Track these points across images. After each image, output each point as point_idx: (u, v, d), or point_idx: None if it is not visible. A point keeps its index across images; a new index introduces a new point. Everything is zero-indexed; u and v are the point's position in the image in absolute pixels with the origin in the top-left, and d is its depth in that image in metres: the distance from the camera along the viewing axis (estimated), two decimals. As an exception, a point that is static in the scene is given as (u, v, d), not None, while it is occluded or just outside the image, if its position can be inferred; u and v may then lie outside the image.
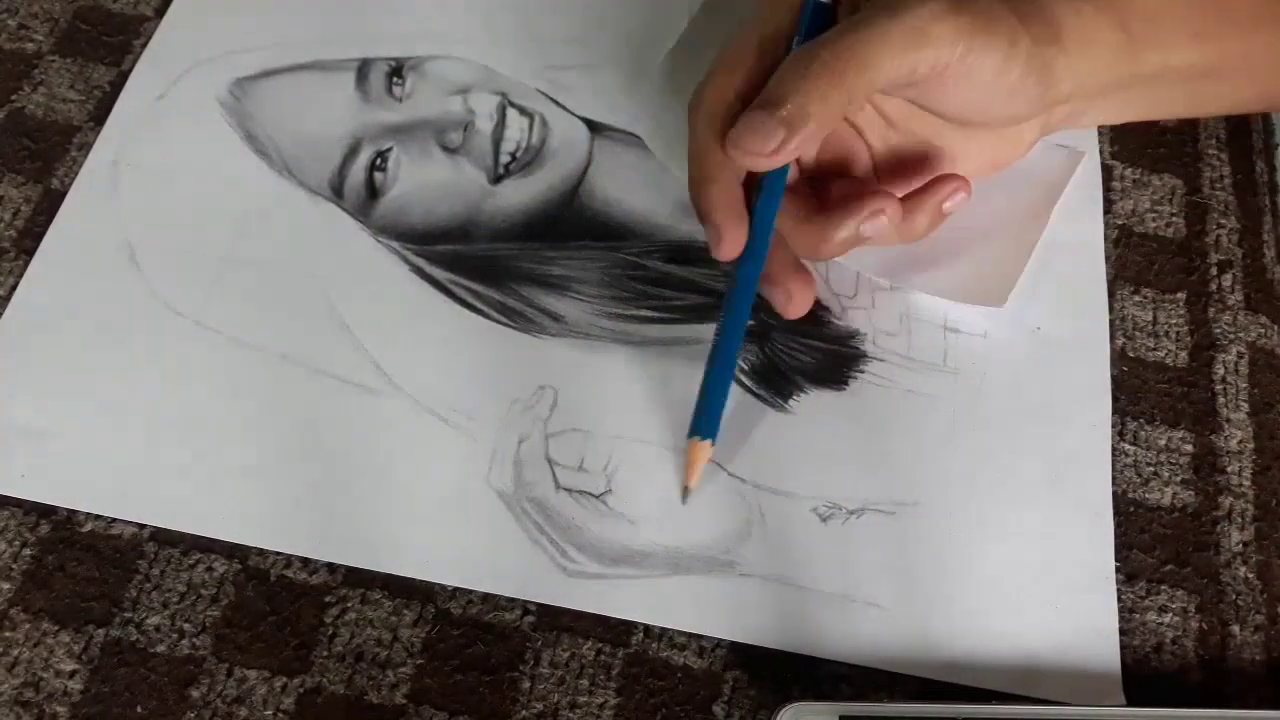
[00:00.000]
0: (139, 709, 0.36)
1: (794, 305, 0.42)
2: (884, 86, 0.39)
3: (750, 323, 0.44)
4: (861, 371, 0.44)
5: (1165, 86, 0.44)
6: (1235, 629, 0.40)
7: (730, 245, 0.40)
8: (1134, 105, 0.46)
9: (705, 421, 0.40)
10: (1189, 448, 0.44)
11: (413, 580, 0.39)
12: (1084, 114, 0.45)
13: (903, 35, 0.38)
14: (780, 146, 0.38)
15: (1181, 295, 0.47)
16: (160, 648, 0.37)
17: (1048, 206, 0.48)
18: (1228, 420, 0.44)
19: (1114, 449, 0.43)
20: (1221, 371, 0.45)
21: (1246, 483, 0.43)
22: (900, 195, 0.42)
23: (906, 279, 0.46)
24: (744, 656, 0.38)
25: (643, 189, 0.48)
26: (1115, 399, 0.44)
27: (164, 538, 0.39)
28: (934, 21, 0.38)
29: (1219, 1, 0.42)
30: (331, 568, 0.39)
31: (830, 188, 0.43)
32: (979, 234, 0.46)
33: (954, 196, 0.43)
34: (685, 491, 0.40)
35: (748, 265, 0.41)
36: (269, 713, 0.37)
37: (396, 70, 0.50)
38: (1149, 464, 0.43)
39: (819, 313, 0.45)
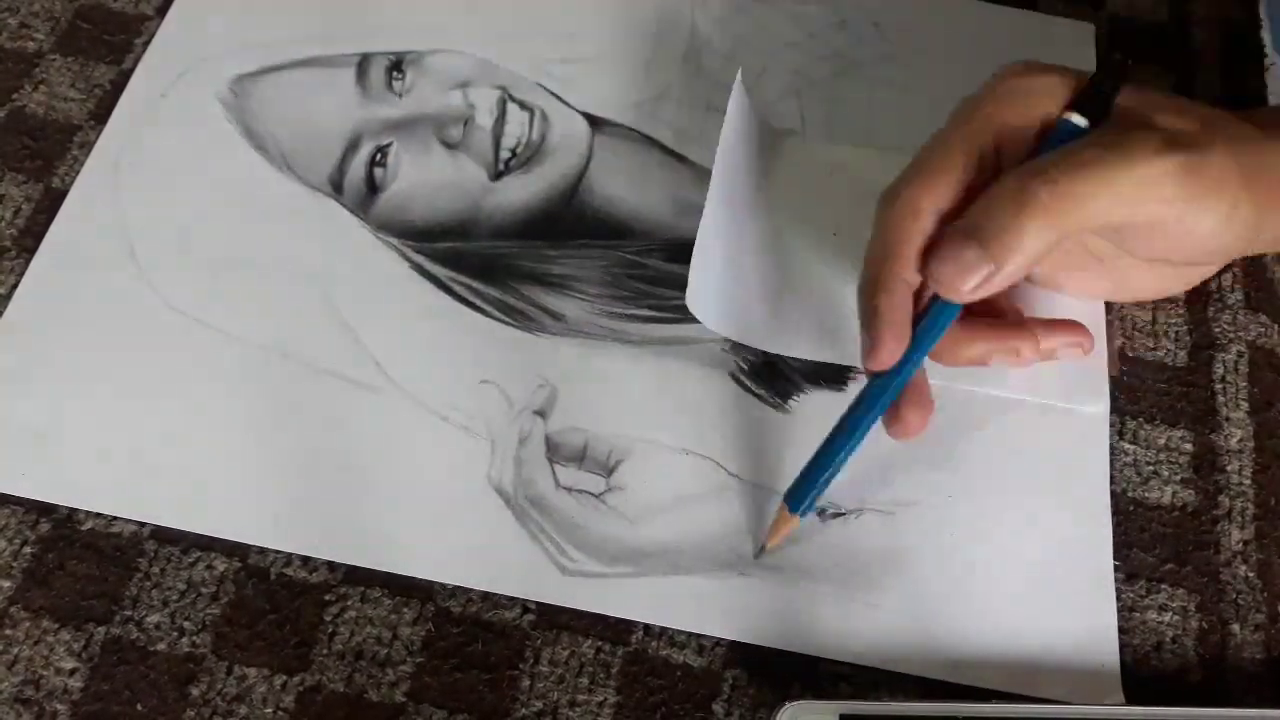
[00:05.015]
0: (139, 707, 0.36)
1: (902, 429, 0.39)
2: (1098, 230, 0.37)
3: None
4: (861, 372, 0.44)
5: None
6: (1235, 628, 0.40)
7: (882, 361, 0.38)
8: None
9: (799, 497, 0.39)
10: (1189, 447, 0.44)
11: (412, 578, 0.39)
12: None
13: (1132, 187, 0.35)
14: (983, 284, 0.36)
15: (1181, 294, 0.47)
16: (160, 646, 0.37)
17: None
18: (1227, 419, 0.44)
19: (1113, 448, 0.43)
20: (1221, 371, 0.45)
21: (1246, 481, 0.43)
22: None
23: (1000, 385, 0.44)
24: (743, 655, 0.38)
25: (643, 186, 0.48)
26: (1115, 398, 0.44)
27: (164, 536, 0.39)
28: (1164, 180, 0.35)
29: None
30: (331, 566, 0.39)
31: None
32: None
33: (1073, 350, 0.42)
34: (760, 550, 0.40)
35: (892, 375, 0.39)
36: (269, 711, 0.37)
37: (396, 65, 0.50)
38: (1149, 463, 0.43)
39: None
